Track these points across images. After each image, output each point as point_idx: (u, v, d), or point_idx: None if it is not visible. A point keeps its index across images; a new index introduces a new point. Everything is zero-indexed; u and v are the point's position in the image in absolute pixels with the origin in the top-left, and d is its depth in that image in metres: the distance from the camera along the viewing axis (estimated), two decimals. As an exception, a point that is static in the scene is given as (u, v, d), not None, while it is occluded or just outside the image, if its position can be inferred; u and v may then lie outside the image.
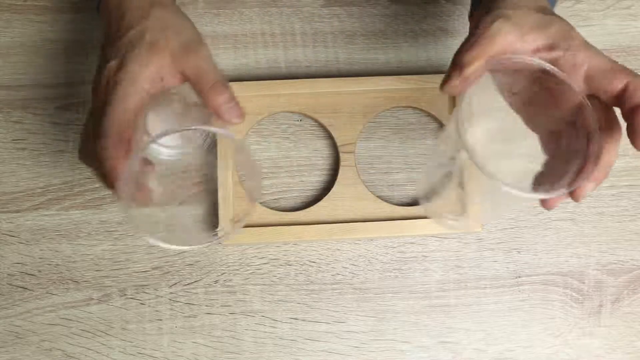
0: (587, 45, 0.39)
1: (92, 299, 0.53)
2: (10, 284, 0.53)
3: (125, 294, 0.53)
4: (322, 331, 0.53)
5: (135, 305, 0.53)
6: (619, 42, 0.59)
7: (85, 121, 0.43)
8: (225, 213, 0.52)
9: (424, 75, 0.56)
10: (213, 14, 0.59)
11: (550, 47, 0.39)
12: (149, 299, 0.53)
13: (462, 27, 0.59)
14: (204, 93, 0.43)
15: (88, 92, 0.57)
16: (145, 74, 0.43)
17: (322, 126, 0.56)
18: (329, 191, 0.54)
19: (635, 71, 0.42)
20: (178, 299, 0.53)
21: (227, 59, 0.58)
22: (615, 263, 0.55)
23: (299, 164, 0.56)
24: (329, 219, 0.53)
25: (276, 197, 0.56)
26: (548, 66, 0.37)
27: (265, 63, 0.58)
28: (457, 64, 0.39)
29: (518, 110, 0.42)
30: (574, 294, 0.54)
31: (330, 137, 0.56)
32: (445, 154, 0.47)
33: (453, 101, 0.55)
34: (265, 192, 0.56)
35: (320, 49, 0.59)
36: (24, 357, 0.52)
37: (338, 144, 0.55)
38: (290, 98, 0.55)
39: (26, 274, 0.54)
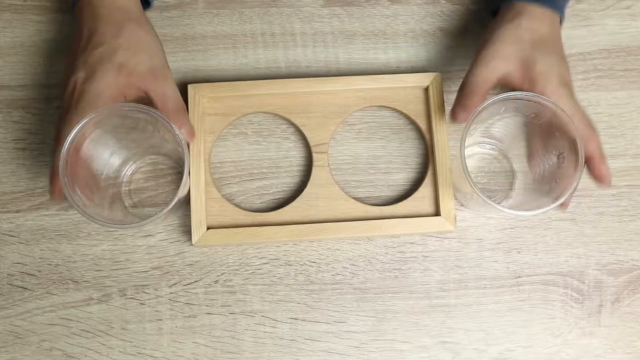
0: (559, 91, 0.48)
1: (92, 299, 0.53)
2: (10, 284, 0.53)
3: (125, 294, 0.53)
4: (322, 331, 0.53)
5: (135, 305, 0.53)
6: (619, 42, 0.59)
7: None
8: (197, 216, 0.51)
9: (397, 75, 0.55)
10: (213, 14, 0.59)
11: (530, 84, 0.48)
12: (149, 299, 0.53)
13: (462, 27, 0.59)
14: (169, 116, 0.48)
15: (88, 92, 0.57)
16: (110, 91, 0.47)
17: (294, 126, 0.55)
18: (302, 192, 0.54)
19: (592, 124, 0.46)
20: (178, 299, 0.53)
21: (227, 59, 0.58)
22: (615, 263, 0.55)
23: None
24: (302, 219, 0.53)
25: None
26: (558, 109, 0.46)
27: (265, 63, 0.58)
28: (462, 103, 0.48)
29: (532, 133, 0.51)
30: (574, 294, 0.54)
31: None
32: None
33: (427, 102, 0.55)
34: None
35: (320, 49, 0.59)
36: (24, 357, 0.52)
37: (311, 144, 0.54)
38: (263, 98, 0.55)
39: (26, 274, 0.54)
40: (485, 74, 0.48)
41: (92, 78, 0.47)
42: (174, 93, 0.49)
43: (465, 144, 0.46)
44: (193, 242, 0.51)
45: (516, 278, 0.54)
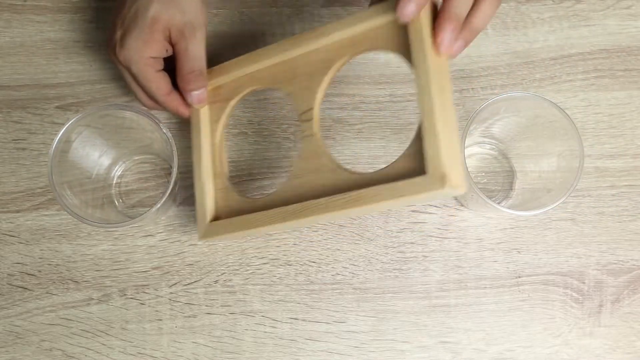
0: None
1: (92, 299, 0.53)
2: (10, 284, 0.53)
3: (125, 294, 0.53)
4: (322, 331, 0.53)
5: (135, 305, 0.53)
6: (619, 42, 0.59)
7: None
8: (200, 207, 0.48)
9: (365, 10, 0.43)
10: (213, 14, 0.59)
11: None
12: (149, 299, 0.53)
13: (462, 27, 0.59)
14: (181, 76, 0.48)
15: (88, 91, 0.57)
16: (147, 51, 0.47)
17: (287, 97, 0.48)
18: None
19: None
20: (178, 299, 0.53)
21: (227, 59, 0.58)
22: (615, 263, 0.55)
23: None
24: (296, 199, 0.44)
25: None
26: (558, 109, 0.44)
27: (265, 63, 0.58)
28: None
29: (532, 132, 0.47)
30: (574, 294, 0.54)
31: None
32: None
33: (405, 30, 0.41)
34: (263, 192, 0.56)
35: (320, 49, 0.59)
36: (24, 357, 0.52)
37: (298, 112, 0.46)
38: (252, 75, 0.49)
39: (26, 274, 0.54)
40: None
41: (128, 35, 0.47)
42: (197, 53, 0.49)
43: (465, 144, 0.46)
44: (198, 239, 0.48)
45: (516, 278, 0.54)
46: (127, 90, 0.57)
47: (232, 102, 0.50)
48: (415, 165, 0.39)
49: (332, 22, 0.45)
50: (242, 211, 0.46)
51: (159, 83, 0.48)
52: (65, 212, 0.54)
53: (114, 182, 0.55)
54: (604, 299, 0.54)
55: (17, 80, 0.57)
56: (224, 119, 0.50)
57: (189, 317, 0.53)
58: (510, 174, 0.56)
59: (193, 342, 0.53)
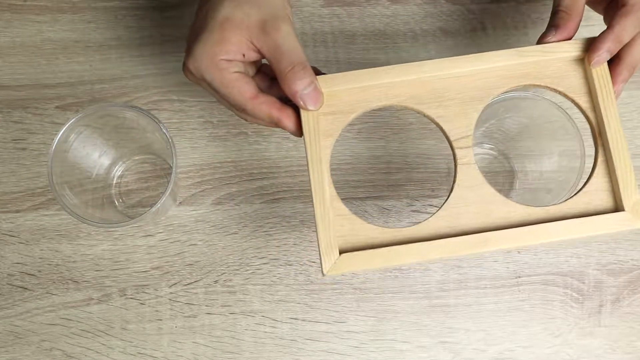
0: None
1: (92, 299, 0.53)
2: (10, 284, 0.53)
3: (125, 294, 0.53)
4: (322, 331, 0.53)
5: (135, 305, 0.53)
6: (619, 42, 0.59)
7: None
8: (326, 237, 0.42)
9: (544, 45, 0.45)
10: (213, 14, 0.59)
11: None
12: (149, 299, 0.53)
13: (462, 27, 0.59)
14: (282, 77, 0.41)
15: (88, 92, 0.57)
16: (218, 53, 0.41)
17: (430, 120, 0.45)
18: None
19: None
20: (178, 299, 0.53)
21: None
22: (615, 263, 0.55)
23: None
24: (452, 231, 0.43)
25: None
26: (559, 108, 0.46)
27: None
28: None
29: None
30: (574, 294, 0.54)
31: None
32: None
33: (585, 73, 0.45)
34: (264, 192, 0.56)
35: (321, 49, 0.59)
36: (24, 357, 0.52)
37: (451, 138, 0.44)
38: (387, 89, 0.45)
39: (26, 274, 0.54)
40: None
41: (196, 42, 0.42)
42: (288, 46, 0.41)
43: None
44: (324, 272, 0.41)
45: (516, 278, 0.54)
46: (126, 90, 0.57)
47: (353, 116, 0.45)
48: (607, 202, 0.43)
49: (492, 52, 0.45)
50: (382, 242, 0.43)
51: (239, 86, 0.42)
52: (65, 212, 0.55)
53: (114, 182, 0.55)
54: (604, 299, 0.54)
55: (17, 80, 0.57)
56: (337, 134, 0.44)
57: (189, 317, 0.53)
58: (511, 174, 0.56)
59: (193, 342, 0.53)
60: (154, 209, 0.46)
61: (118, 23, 0.58)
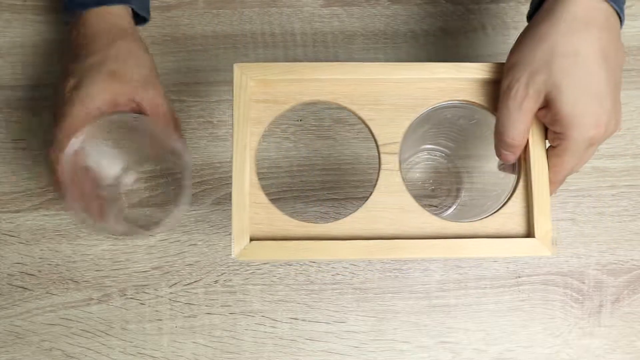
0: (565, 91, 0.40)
1: (92, 299, 0.53)
2: (10, 284, 0.53)
3: (125, 294, 0.53)
4: (322, 331, 0.53)
5: (135, 305, 0.53)
6: (619, 42, 0.59)
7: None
8: (239, 223, 0.42)
9: (486, 64, 0.45)
10: (213, 14, 0.59)
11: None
12: (149, 299, 0.53)
13: (462, 27, 0.59)
14: (163, 126, 0.47)
15: (88, 92, 0.57)
16: (101, 97, 0.46)
17: (360, 121, 0.46)
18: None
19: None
20: (178, 299, 0.53)
21: (227, 59, 0.58)
22: (615, 263, 0.55)
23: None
24: (366, 234, 0.43)
25: (278, 197, 0.56)
26: (495, 115, 0.44)
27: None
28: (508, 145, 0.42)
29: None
30: (574, 294, 0.54)
31: (369, 135, 0.47)
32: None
33: None
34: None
35: (320, 49, 0.59)
36: (24, 357, 0.52)
37: (379, 142, 0.45)
38: (324, 85, 0.45)
39: (26, 274, 0.54)
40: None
41: (81, 84, 0.46)
42: (165, 102, 0.49)
43: (412, 152, 0.45)
44: (233, 255, 0.42)
45: (516, 278, 0.54)
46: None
47: (287, 107, 0.45)
48: (520, 227, 0.44)
49: (433, 63, 0.45)
50: (295, 235, 0.43)
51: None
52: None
53: (123, 191, 0.55)
54: (604, 299, 0.54)
55: (17, 80, 0.57)
56: (267, 122, 0.45)
57: (189, 317, 0.53)
58: (459, 181, 0.56)
59: (193, 342, 0.53)
60: (169, 219, 0.45)
61: (118, 23, 0.58)
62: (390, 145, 0.45)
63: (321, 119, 0.57)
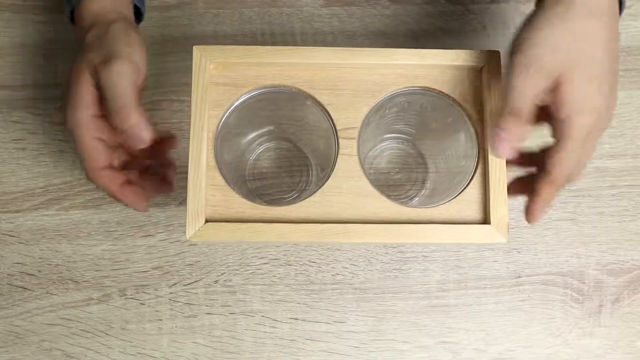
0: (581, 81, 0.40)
1: (92, 299, 0.53)
2: (10, 284, 0.53)
3: (125, 294, 0.53)
4: (322, 331, 0.53)
5: (135, 305, 0.53)
6: (619, 42, 0.59)
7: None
8: (195, 204, 0.42)
9: (447, 51, 0.45)
10: (213, 14, 0.59)
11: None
12: (149, 299, 0.53)
13: (462, 27, 0.59)
14: (110, 115, 0.43)
15: (88, 92, 0.57)
16: (78, 111, 0.44)
17: (319, 105, 0.46)
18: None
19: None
20: (178, 299, 0.53)
21: (227, 59, 0.58)
22: (615, 263, 0.55)
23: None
24: (322, 217, 0.44)
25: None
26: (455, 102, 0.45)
27: (265, 63, 0.58)
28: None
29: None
30: (574, 294, 0.54)
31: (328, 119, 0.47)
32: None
33: (480, 86, 0.46)
34: (265, 192, 0.56)
35: (320, 49, 0.59)
36: (24, 357, 0.52)
37: (337, 127, 0.45)
38: (283, 69, 0.45)
39: (26, 274, 0.54)
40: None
41: (66, 98, 0.45)
42: (121, 87, 0.44)
43: (377, 140, 0.44)
44: (187, 237, 0.42)
45: (516, 278, 0.54)
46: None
47: (245, 91, 0.46)
48: (476, 213, 0.44)
49: (393, 49, 0.45)
50: (250, 217, 0.44)
51: (91, 153, 0.45)
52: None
53: (249, 164, 0.55)
54: (604, 299, 0.54)
55: (17, 80, 0.57)
56: (226, 106, 0.45)
57: (189, 317, 0.53)
58: (423, 167, 0.56)
59: (193, 342, 0.53)
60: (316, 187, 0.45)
61: (118, 23, 0.58)
62: (349, 130, 0.45)
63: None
